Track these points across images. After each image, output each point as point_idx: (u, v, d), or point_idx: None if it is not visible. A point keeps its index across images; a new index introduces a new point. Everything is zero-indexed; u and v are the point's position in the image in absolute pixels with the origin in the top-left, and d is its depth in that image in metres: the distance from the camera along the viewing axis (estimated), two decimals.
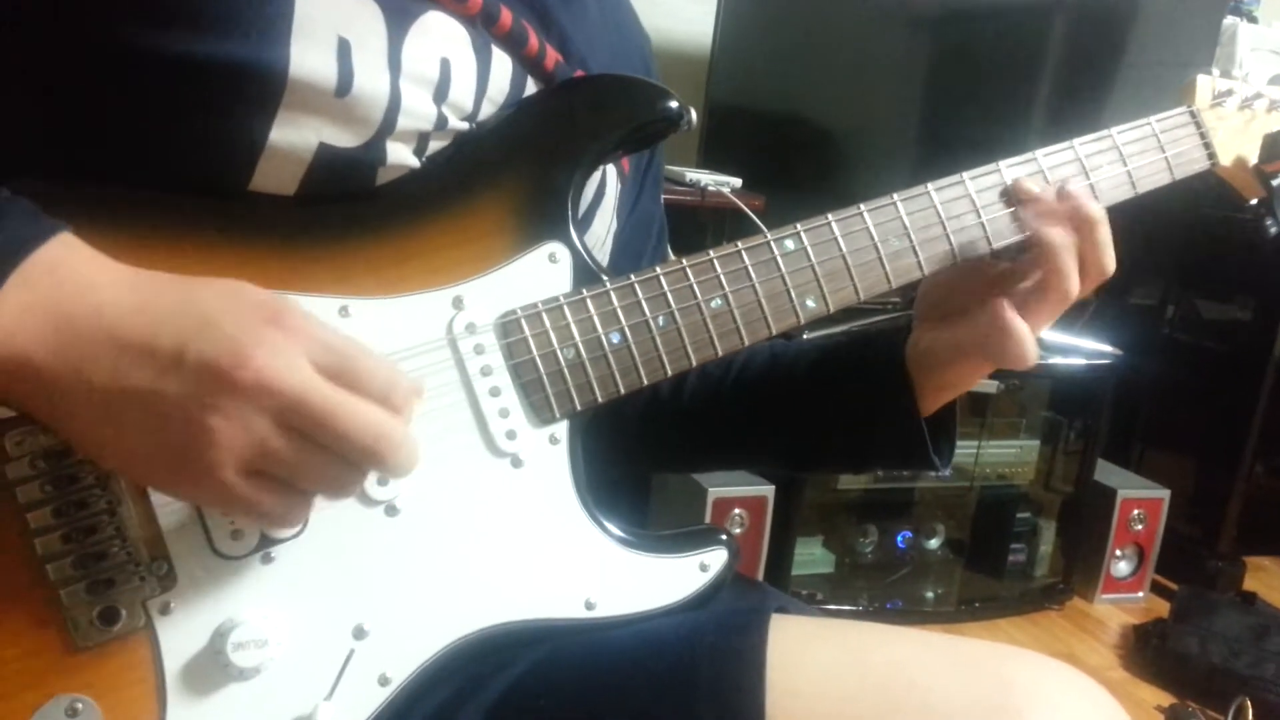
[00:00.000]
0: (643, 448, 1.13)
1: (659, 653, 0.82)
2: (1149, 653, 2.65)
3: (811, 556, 2.70)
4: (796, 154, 2.82)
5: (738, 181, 2.42)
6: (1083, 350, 2.90)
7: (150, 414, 0.64)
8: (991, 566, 2.89)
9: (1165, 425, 3.34)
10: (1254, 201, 1.13)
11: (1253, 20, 3.28)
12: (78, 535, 0.70)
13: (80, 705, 0.70)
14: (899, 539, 2.81)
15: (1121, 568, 2.99)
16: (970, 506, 2.90)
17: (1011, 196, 0.94)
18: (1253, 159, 1.10)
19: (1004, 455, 2.86)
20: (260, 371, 0.63)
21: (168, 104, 0.72)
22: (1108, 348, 2.92)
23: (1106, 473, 3.03)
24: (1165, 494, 2.97)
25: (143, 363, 0.63)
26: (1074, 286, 0.90)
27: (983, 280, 0.95)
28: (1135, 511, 2.94)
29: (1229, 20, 3.14)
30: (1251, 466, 3.06)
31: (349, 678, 0.76)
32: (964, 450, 2.78)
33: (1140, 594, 3.02)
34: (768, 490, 2.48)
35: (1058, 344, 2.90)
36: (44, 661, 0.70)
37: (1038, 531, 2.95)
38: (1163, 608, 2.85)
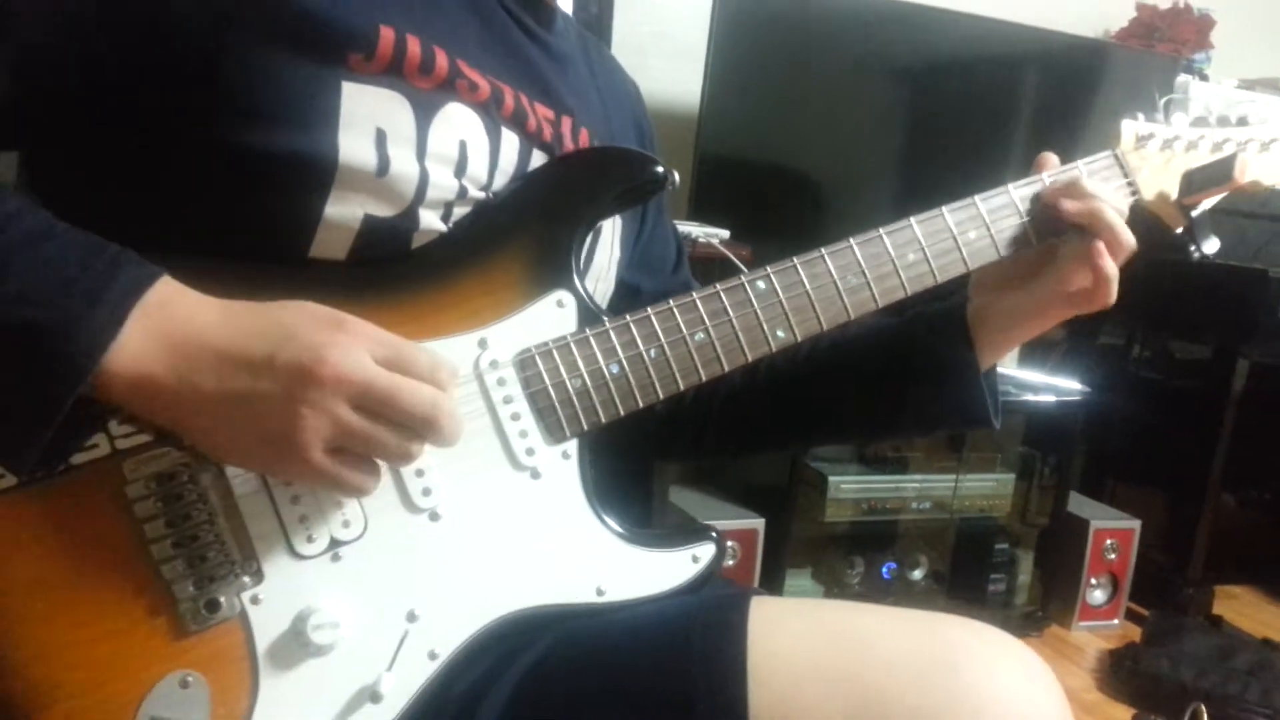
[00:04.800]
0: (727, 428, 1.30)
1: (659, 629, 0.96)
2: (1123, 675, 2.73)
3: (801, 587, 2.75)
4: (782, 206, 2.91)
5: (726, 233, 2.50)
6: (1054, 388, 3.01)
7: (251, 410, 0.80)
8: (973, 596, 2.96)
9: (1135, 459, 3.42)
10: (1179, 231, 1.23)
11: (1204, 78, 3.48)
12: (185, 541, 0.85)
13: (190, 679, 0.85)
14: (884, 570, 2.90)
15: (1097, 596, 3.09)
16: (951, 539, 3.00)
17: (1038, 203, 1.13)
18: (1174, 194, 1.20)
19: (981, 488, 2.95)
20: (336, 367, 0.79)
21: (244, 187, 0.88)
22: (1077, 385, 3.03)
23: (1080, 505, 3.13)
24: (1136, 524, 3.08)
25: (241, 370, 0.80)
26: (1130, 237, 1.10)
27: (1038, 255, 1.14)
28: (1108, 541, 3.04)
29: (1182, 78, 3.32)
30: (1217, 498, 3.13)
31: (404, 653, 0.90)
32: (943, 484, 2.89)
33: (1116, 621, 3.11)
34: (758, 523, 2.56)
35: (1030, 382, 3.01)
36: (161, 643, 0.84)
37: (1016, 562, 3.05)
38: (1138, 634, 2.94)
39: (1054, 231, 1.13)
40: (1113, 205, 1.10)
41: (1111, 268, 1.09)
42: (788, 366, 1.25)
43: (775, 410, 1.28)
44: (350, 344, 0.81)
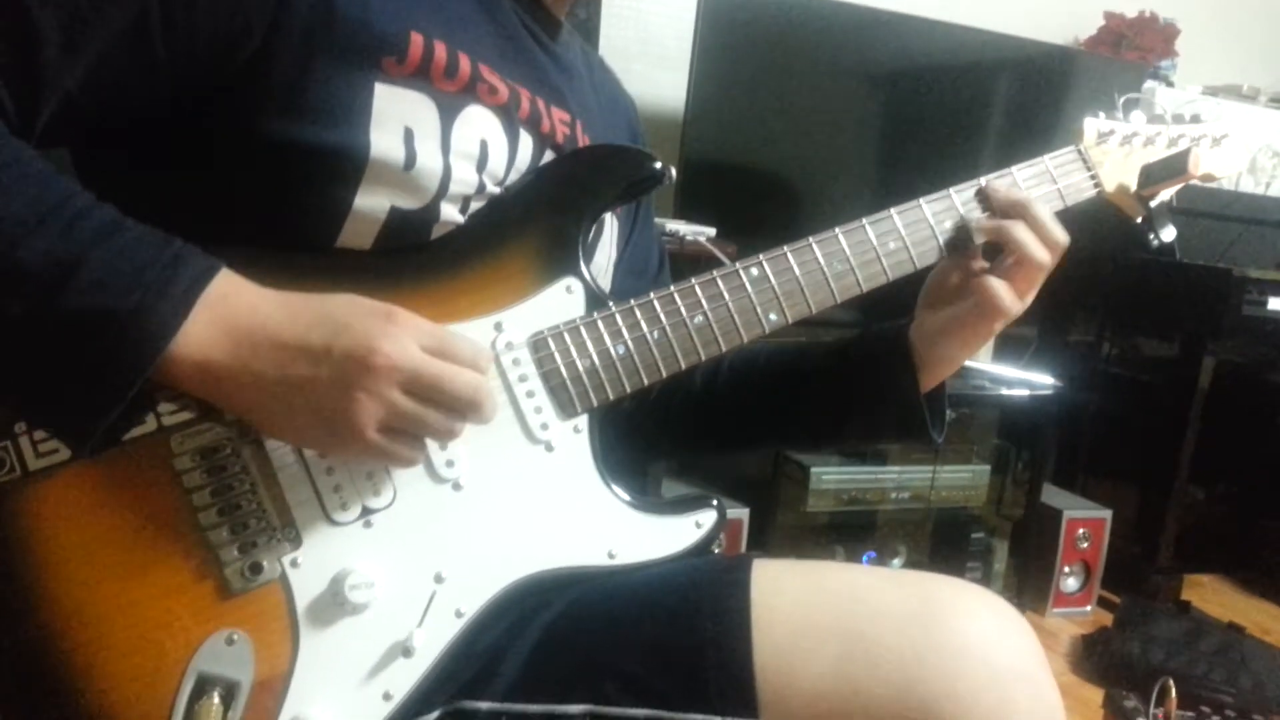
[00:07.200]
0: (679, 431, 1.38)
1: (669, 589, 1.04)
2: (1095, 658, 2.82)
3: None
4: (764, 205, 2.98)
5: (712, 231, 2.57)
6: (1027, 383, 3.08)
7: (310, 395, 0.87)
8: None
9: (1106, 452, 3.51)
10: (1138, 220, 1.30)
11: (1169, 84, 3.57)
12: (228, 509, 0.91)
13: (236, 636, 0.91)
14: (864, 559, 2.95)
15: (1070, 583, 3.18)
16: (928, 529, 3.08)
17: (963, 219, 1.17)
18: (1133, 186, 1.28)
19: (958, 480, 3.03)
20: (388, 356, 0.87)
21: (281, 179, 0.94)
22: (1050, 380, 3.10)
23: (1053, 496, 3.22)
24: (1107, 514, 3.17)
25: (300, 358, 0.87)
26: (1041, 254, 1.13)
27: (968, 270, 1.19)
28: (1080, 531, 3.14)
29: (1149, 84, 3.42)
30: (1185, 489, 3.22)
31: (433, 611, 0.97)
32: (920, 476, 2.96)
33: (1088, 608, 3.21)
34: (743, 513, 2.64)
35: (1004, 377, 3.08)
36: (208, 604, 0.91)
37: (991, 551, 3.13)
38: (1110, 620, 3.03)
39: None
40: (1018, 235, 1.14)
41: (996, 283, 1.14)
42: (743, 376, 1.33)
43: (728, 418, 1.36)
44: (400, 334, 0.89)
